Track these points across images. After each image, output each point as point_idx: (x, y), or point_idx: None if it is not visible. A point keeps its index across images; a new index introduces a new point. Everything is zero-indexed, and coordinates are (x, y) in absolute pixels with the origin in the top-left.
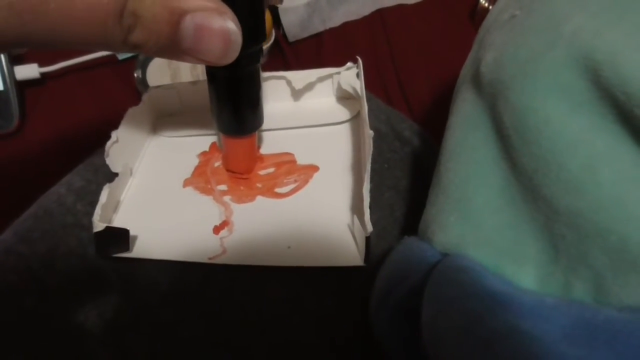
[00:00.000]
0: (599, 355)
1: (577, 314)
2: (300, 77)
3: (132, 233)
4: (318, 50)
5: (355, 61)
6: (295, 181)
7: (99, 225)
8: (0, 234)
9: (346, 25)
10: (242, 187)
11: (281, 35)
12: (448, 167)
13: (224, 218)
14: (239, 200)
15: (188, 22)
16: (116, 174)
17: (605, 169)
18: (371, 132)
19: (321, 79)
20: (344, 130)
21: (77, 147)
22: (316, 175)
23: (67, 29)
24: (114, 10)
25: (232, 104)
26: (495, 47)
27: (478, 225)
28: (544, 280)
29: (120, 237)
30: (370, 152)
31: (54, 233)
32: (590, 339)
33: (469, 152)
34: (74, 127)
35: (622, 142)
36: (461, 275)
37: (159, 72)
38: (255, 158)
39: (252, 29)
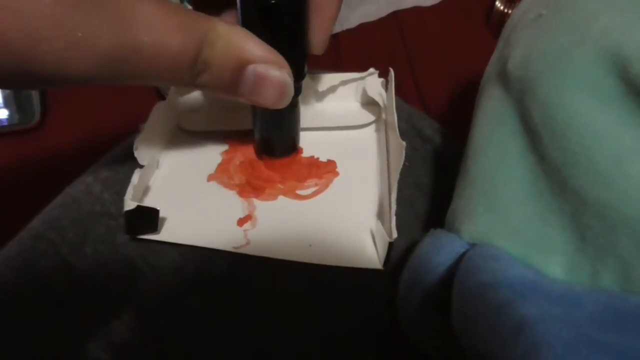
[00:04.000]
0: (628, 341)
1: (606, 301)
2: (323, 79)
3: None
4: (335, 51)
5: (374, 65)
6: (316, 185)
7: (130, 204)
8: (25, 224)
9: (363, 27)
10: (265, 187)
11: None
12: (475, 160)
13: (247, 212)
14: (262, 198)
15: (250, 71)
16: (141, 166)
17: (633, 162)
18: (403, 143)
19: (344, 83)
20: (367, 134)
21: (97, 142)
22: (338, 177)
23: (149, 72)
24: (190, 57)
25: (275, 131)
26: (523, 45)
27: (506, 216)
28: (571, 270)
29: (150, 217)
30: (402, 162)
31: (82, 221)
32: (619, 325)
33: (496, 146)
34: (95, 123)
35: None
36: (491, 263)
37: None
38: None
39: (297, 71)
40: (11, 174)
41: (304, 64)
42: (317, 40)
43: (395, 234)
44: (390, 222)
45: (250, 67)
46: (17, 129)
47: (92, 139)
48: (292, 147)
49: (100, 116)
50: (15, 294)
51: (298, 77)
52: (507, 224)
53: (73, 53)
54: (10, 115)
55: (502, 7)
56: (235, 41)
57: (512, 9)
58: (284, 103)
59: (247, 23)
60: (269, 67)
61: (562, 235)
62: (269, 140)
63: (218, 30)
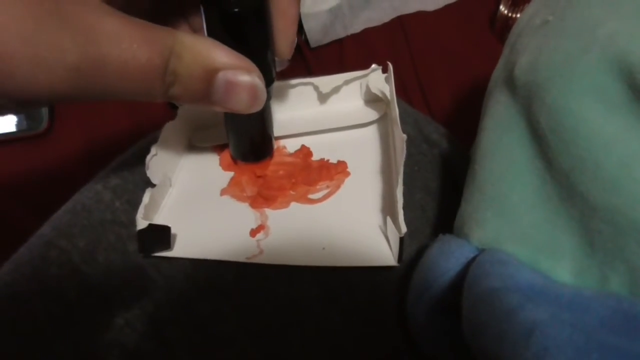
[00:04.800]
0: (637, 345)
1: (615, 305)
2: (326, 81)
3: (172, 232)
4: (339, 56)
5: (379, 64)
6: (327, 187)
7: (142, 223)
8: (34, 231)
9: (367, 32)
10: (276, 196)
11: (303, 41)
12: (483, 166)
13: (260, 223)
14: (274, 207)
15: (220, 78)
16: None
17: None
18: (404, 136)
19: (347, 82)
20: (372, 133)
21: (105, 148)
22: (347, 178)
23: (119, 86)
24: (158, 69)
25: (245, 136)
26: (530, 51)
27: (514, 222)
28: (580, 275)
29: (162, 235)
30: (404, 155)
31: (93, 229)
32: (628, 328)
33: (504, 151)
34: (103, 129)
35: None
36: (500, 268)
37: None
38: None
39: (265, 75)
40: (20, 180)
41: (272, 68)
42: (283, 44)
43: (404, 229)
44: (397, 217)
45: (220, 75)
46: (26, 135)
47: (100, 145)
48: (266, 151)
49: (108, 122)
50: (27, 301)
51: (267, 82)
52: (516, 229)
53: (42, 68)
54: (19, 122)
55: (506, 11)
56: (202, 51)
57: (516, 12)
58: (258, 106)
59: (212, 32)
60: (237, 73)
61: (571, 240)
62: (242, 146)
63: (184, 42)
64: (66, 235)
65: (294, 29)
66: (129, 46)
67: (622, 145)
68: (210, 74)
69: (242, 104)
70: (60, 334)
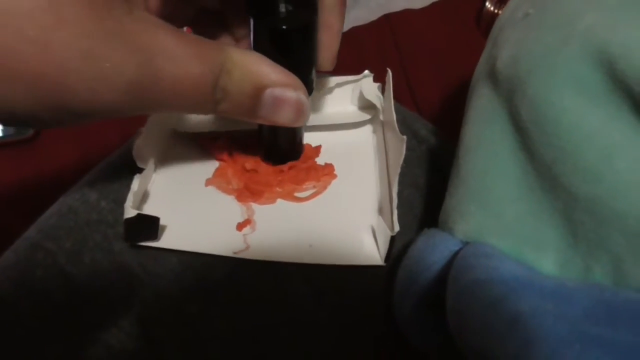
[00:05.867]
0: (619, 334)
1: (598, 295)
2: (318, 82)
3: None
4: None
5: (366, 68)
6: (314, 187)
7: (130, 212)
8: (21, 234)
9: (354, 30)
10: (263, 191)
11: None
12: (467, 159)
13: (246, 217)
14: (261, 202)
15: (267, 95)
16: (139, 169)
17: (622, 157)
18: (404, 137)
19: (339, 85)
20: (364, 136)
21: (92, 152)
22: (336, 179)
23: (172, 100)
24: (209, 85)
25: (281, 142)
26: (511, 44)
27: (498, 214)
28: (564, 266)
29: (150, 225)
30: (402, 156)
31: (79, 230)
32: (611, 318)
33: (486, 144)
34: (90, 132)
35: (638, 131)
36: (484, 261)
37: None
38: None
39: (306, 86)
40: (8, 185)
41: (313, 80)
42: (326, 57)
43: (397, 227)
44: (392, 216)
45: (268, 92)
46: (13, 140)
47: (87, 150)
48: (297, 154)
49: (96, 126)
50: (14, 304)
51: (308, 92)
52: (499, 221)
53: (101, 83)
54: (5, 128)
55: (492, 8)
56: (251, 68)
57: (502, 9)
58: (302, 121)
59: (260, 45)
60: (285, 90)
61: (554, 231)
62: (274, 149)
63: (233, 58)
64: (52, 237)
65: (337, 42)
66: (182, 63)
67: (603, 136)
68: (259, 90)
69: (287, 119)
70: (47, 336)
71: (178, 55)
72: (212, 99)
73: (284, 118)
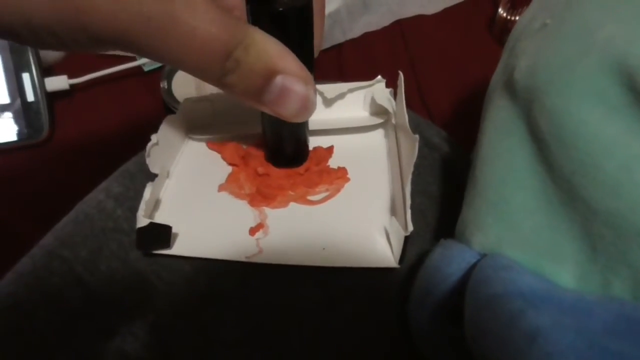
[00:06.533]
0: None
1: (618, 310)
2: (331, 88)
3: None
4: (338, 61)
5: (378, 74)
6: (327, 190)
7: (142, 221)
8: (35, 239)
9: (366, 36)
10: (275, 195)
11: None
12: (484, 170)
13: (259, 221)
14: (273, 206)
15: (277, 81)
16: (154, 176)
17: None
18: (416, 136)
19: (352, 91)
20: (376, 140)
21: (105, 155)
22: (348, 183)
23: (182, 52)
24: (223, 51)
25: (284, 142)
26: (529, 55)
27: (516, 226)
28: (582, 279)
29: (162, 234)
30: (415, 156)
31: (95, 238)
32: (632, 333)
33: (504, 156)
34: (102, 137)
35: None
36: (502, 274)
37: (184, 83)
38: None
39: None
40: (21, 188)
41: (312, 69)
42: (315, 43)
43: (411, 227)
44: (405, 216)
45: (279, 78)
46: (27, 144)
47: (99, 152)
48: (301, 157)
49: (108, 131)
50: (30, 311)
51: None
52: (517, 234)
53: (122, 6)
54: (19, 131)
55: (504, 14)
56: (269, 50)
57: (515, 15)
58: (304, 118)
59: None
60: (295, 81)
61: (573, 244)
62: (277, 151)
63: (255, 37)
64: (68, 245)
65: (323, 27)
66: (202, 16)
67: (622, 149)
68: (271, 73)
69: (290, 112)
70: (63, 343)
71: (201, 7)
72: (222, 65)
73: (287, 110)
